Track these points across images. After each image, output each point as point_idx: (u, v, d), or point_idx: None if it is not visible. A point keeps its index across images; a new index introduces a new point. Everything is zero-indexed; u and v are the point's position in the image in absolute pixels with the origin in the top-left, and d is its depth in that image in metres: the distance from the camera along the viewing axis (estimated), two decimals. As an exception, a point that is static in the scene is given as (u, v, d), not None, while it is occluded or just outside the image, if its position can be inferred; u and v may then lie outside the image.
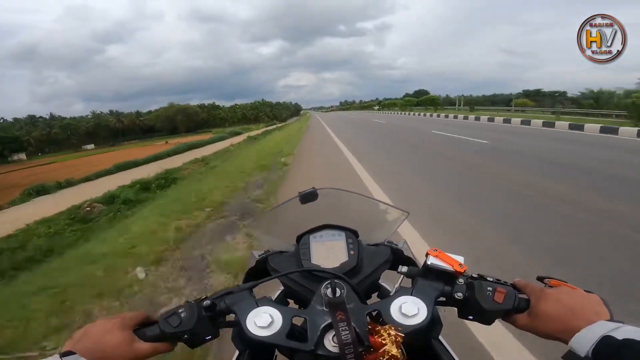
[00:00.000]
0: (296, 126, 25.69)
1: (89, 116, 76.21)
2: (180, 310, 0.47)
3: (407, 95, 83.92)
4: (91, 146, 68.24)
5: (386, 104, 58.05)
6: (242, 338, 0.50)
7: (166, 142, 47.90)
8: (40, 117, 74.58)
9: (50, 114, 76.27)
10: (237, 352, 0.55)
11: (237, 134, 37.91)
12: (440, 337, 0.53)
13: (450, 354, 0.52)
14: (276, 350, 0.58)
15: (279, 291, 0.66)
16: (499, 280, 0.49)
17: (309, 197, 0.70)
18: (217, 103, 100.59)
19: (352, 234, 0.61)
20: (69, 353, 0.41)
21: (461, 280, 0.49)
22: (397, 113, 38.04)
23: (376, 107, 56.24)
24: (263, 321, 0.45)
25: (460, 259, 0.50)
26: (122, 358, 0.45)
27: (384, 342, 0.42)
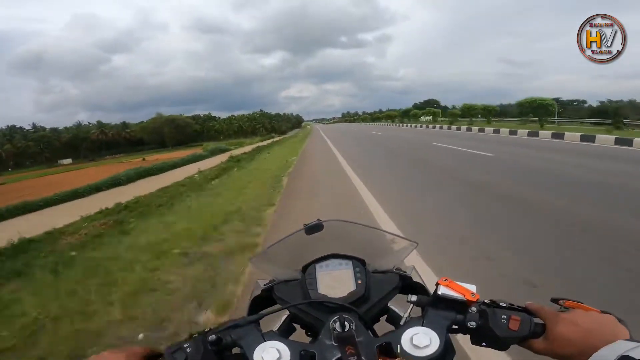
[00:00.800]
0: (289, 148, 19.87)
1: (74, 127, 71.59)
2: (185, 345, 0.48)
3: (416, 105, 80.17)
4: (68, 160, 63.77)
5: (419, 114, 42.97)
6: None
7: (143, 159, 44.18)
8: (21, 127, 71.19)
9: (33, 124, 72.60)
10: None
11: (223, 151, 32.92)
12: None
13: None
14: None
15: (285, 317, 0.67)
16: (512, 305, 0.51)
17: (314, 228, 0.72)
18: (214, 114, 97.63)
19: (359, 262, 0.63)
20: None
21: (473, 308, 0.50)
22: (438, 126, 26.41)
23: (425, 118, 41.23)
24: (270, 357, 0.47)
25: (472, 287, 0.52)
26: None
27: None
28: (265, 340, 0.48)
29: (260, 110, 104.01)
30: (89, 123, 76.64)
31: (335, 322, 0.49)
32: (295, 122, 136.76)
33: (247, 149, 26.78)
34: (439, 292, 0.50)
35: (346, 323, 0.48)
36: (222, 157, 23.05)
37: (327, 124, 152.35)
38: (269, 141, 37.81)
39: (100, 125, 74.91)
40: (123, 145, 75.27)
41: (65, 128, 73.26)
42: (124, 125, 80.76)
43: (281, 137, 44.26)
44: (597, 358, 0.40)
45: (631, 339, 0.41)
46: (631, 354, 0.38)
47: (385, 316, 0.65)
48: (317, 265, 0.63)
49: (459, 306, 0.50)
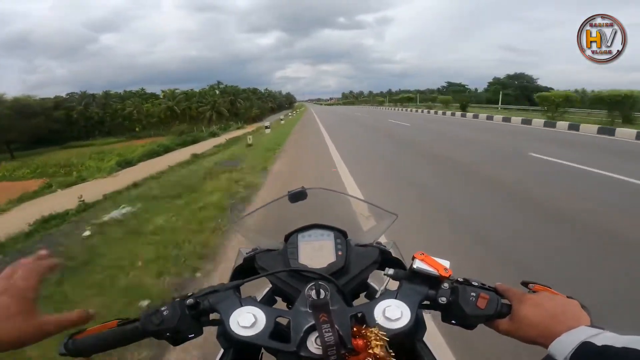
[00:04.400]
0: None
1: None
2: (162, 308, 0.54)
3: (446, 88, 63.80)
4: None
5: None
6: (227, 336, 0.58)
7: None
8: None
9: None
10: (222, 351, 0.63)
11: None
12: (424, 339, 0.62)
13: (433, 356, 0.60)
14: (262, 348, 0.65)
15: (267, 289, 0.75)
16: (484, 284, 0.59)
17: (298, 196, 0.77)
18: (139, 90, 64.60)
19: (340, 234, 0.70)
20: None
21: (446, 284, 0.57)
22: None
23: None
24: (246, 321, 0.52)
25: (446, 263, 0.59)
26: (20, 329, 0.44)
27: (367, 344, 0.48)
28: (242, 306, 0.55)
29: (219, 83, 69.90)
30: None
31: (311, 289, 0.55)
32: (283, 101, 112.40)
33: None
34: (414, 266, 0.58)
35: (321, 290, 0.55)
36: None
37: (327, 104, 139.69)
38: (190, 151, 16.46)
39: None
40: None
41: None
42: None
43: (243, 132, 26.38)
44: (559, 343, 0.45)
45: (593, 325, 0.46)
46: (593, 340, 0.42)
47: (364, 293, 0.73)
48: (300, 235, 0.70)
49: (432, 281, 0.58)
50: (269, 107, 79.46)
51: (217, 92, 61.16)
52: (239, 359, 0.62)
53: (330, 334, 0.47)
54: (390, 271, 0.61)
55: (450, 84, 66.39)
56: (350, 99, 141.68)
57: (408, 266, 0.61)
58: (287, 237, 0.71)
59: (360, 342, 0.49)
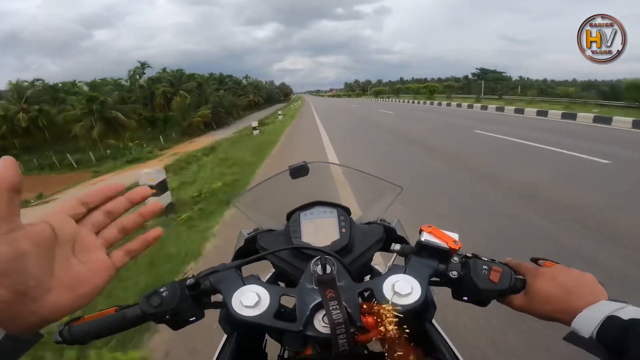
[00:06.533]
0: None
1: None
2: (161, 290, 0.54)
3: (479, 75, 51.82)
4: None
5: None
6: (230, 321, 0.59)
7: None
8: None
9: None
10: (225, 336, 0.64)
11: None
12: (433, 321, 0.62)
13: (444, 338, 0.59)
14: (266, 334, 0.66)
15: (270, 273, 0.77)
16: (494, 260, 0.59)
17: (299, 171, 0.77)
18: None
19: (344, 211, 0.71)
20: None
21: (456, 258, 0.57)
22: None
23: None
24: (249, 300, 0.50)
25: (455, 235, 0.58)
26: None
27: (377, 321, 0.47)
28: (245, 285, 0.55)
29: (143, 65, 37.56)
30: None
31: (316, 264, 0.55)
32: (276, 93, 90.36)
33: None
34: (422, 239, 0.58)
35: (327, 266, 0.54)
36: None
37: (329, 96, 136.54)
38: None
39: None
40: None
41: None
42: None
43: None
44: (582, 318, 0.44)
45: (613, 299, 0.46)
46: (618, 314, 0.41)
47: (368, 275, 0.73)
48: (302, 213, 0.70)
49: (441, 255, 0.58)
50: (242, 103, 51.13)
51: (141, 80, 34.65)
52: (242, 345, 0.61)
53: (338, 311, 0.46)
54: (397, 246, 0.62)
55: (483, 70, 53.14)
56: (356, 89, 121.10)
57: (413, 243, 0.61)
58: (289, 216, 0.71)
59: (370, 319, 0.48)
